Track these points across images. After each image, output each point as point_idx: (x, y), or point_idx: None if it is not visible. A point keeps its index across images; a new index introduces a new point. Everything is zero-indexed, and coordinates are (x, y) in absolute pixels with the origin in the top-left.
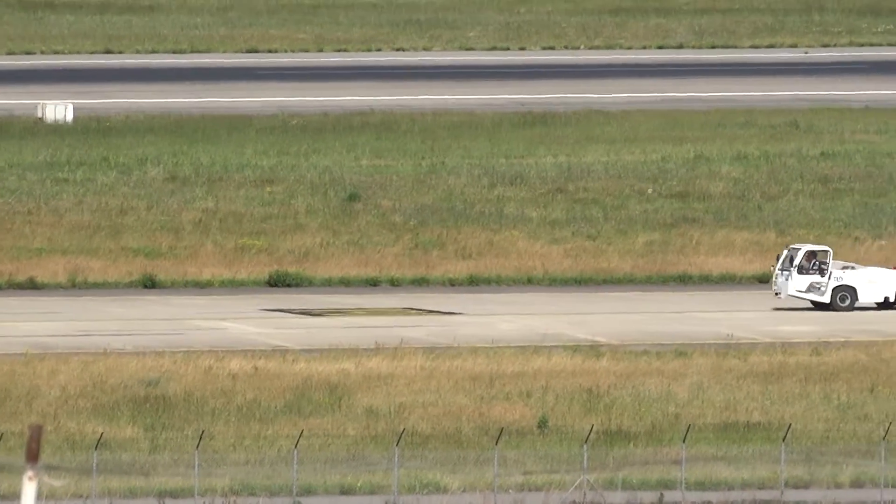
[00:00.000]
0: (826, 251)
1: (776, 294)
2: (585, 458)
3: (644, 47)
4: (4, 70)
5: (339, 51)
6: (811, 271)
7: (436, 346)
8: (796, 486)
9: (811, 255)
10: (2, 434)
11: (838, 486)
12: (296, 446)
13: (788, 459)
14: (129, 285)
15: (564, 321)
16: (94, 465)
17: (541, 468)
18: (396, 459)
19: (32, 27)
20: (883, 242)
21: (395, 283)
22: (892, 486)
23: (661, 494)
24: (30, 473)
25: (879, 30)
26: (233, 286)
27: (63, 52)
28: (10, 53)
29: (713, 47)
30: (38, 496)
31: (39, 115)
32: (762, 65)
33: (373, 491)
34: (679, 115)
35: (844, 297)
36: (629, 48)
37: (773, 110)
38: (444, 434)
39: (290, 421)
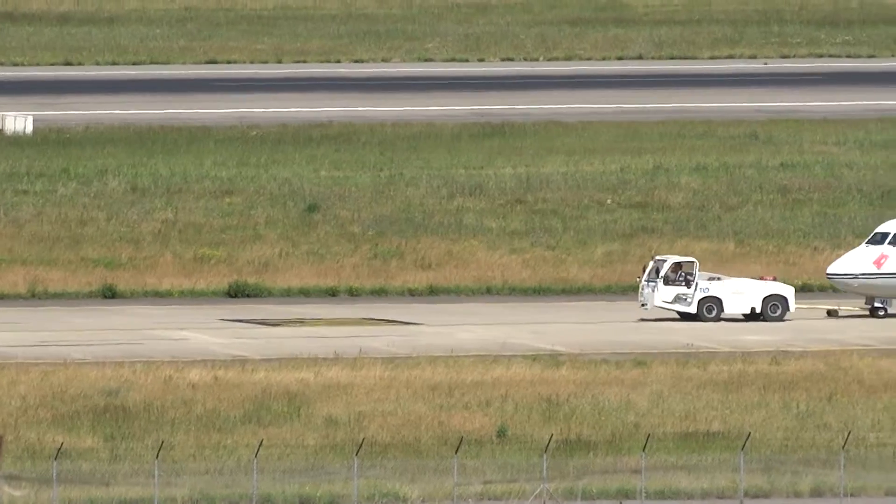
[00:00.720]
0: (692, 262)
1: (642, 305)
2: (545, 467)
3: (603, 58)
4: None
5: (297, 62)
6: (677, 282)
7: (395, 356)
8: (756, 496)
9: (677, 266)
10: None
11: (798, 494)
12: (255, 456)
13: (748, 468)
14: (88, 296)
15: (524, 331)
16: (55, 475)
17: (500, 477)
18: (356, 469)
19: None
20: (841, 252)
21: (354, 294)
22: (852, 495)
23: (621, 503)
24: None
25: (838, 41)
26: (192, 296)
27: (23, 64)
28: None
29: (672, 58)
30: None
31: None
32: (721, 76)
33: (332, 500)
34: (638, 126)
35: (711, 308)
36: (588, 59)
37: (732, 121)
38: (403, 443)
39: (250, 430)
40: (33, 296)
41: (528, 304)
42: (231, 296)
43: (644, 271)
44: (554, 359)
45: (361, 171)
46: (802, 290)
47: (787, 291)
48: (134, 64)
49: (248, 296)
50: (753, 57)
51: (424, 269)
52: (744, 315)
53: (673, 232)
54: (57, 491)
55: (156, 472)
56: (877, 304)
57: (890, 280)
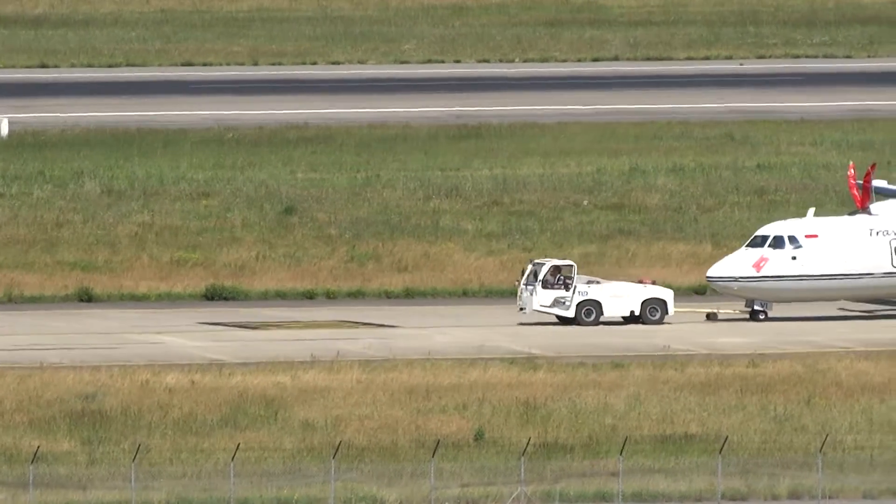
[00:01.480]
0: (571, 266)
1: (521, 309)
2: (522, 470)
3: (579, 59)
4: None
5: (274, 64)
6: (556, 286)
7: (372, 359)
8: (733, 498)
9: (556, 269)
10: None
11: (775, 497)
12: (232, 459)
13: (725, 471)
14: (64, 299)
15: (500, 333)
16: (31, 478)
17: (478, 480)
18: (333, 472)
19: None
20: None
21: (331, 296)
22: (830, 497)
23: None
24: None
25: (815, 41)
26: (169, 300)
27: None
28: None
29: (648, 59)
30: None
31: None
32: (697, 77)
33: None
34: (614, 127)
35: (589, 312)
36: (564, 60)
37: (709, 122)
38: (380, 447)
39: (227, 434)
40: (9, 300)
41: (504, 306)
42: (208, 299)
43: (522, 275)
44: (531, 361)
45: (338, 172)
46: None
47: (666, 294)
48: (109, 66)
49: (225, 299)
50: (730, 58)
51: (401, 271)
52: (623, 318)
53: (649, 234)
54: (34, 495)
55: (133, 476)
56: (756, 308)
57: (769, 283)
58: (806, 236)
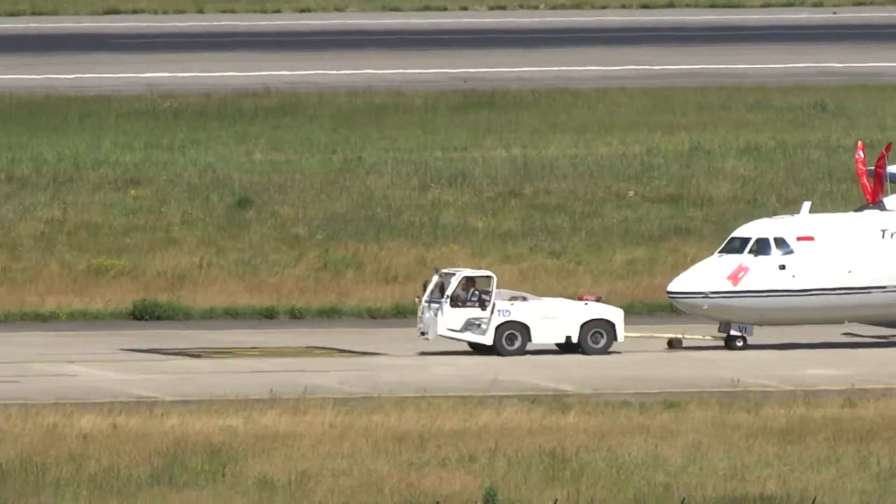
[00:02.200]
0: (489, 277)
1: (422, 334)
2: None
3: (623, 6)
4: None
5: (224, 12)
6: (469, 303)
7: (350, 397)
8: None
9: (469, 282)
10: None
11: None
12: None
13: None
14: None
15: (519, 363)
16: None
17: None
18: None
19: None
20: None
21: (297, 315)
22: None
23: None
24: None
25: None
26: (85, 319)
27: None
28: None
29: (713, 6)
30: None
31: None
32: (777, 28)
33: None
34: (670, 93)
35: (513, 338)
36: (604, 7)
37: (793, 88)
38: None
39: (159, 494)
40: None
41: None
42: (136, 318)
43: (424, 289)
44: (559, 400)
45: (308, 154)
46: None
47: (615, 315)
48: (11, 15)
49: (158, 318)
50: (819, 4)
51: (389, 282)
52: (557, 345)
53: (715, 233)
54: None
55: None
56: (733, 332)
57: (749, 300)
58: (798, 238)
